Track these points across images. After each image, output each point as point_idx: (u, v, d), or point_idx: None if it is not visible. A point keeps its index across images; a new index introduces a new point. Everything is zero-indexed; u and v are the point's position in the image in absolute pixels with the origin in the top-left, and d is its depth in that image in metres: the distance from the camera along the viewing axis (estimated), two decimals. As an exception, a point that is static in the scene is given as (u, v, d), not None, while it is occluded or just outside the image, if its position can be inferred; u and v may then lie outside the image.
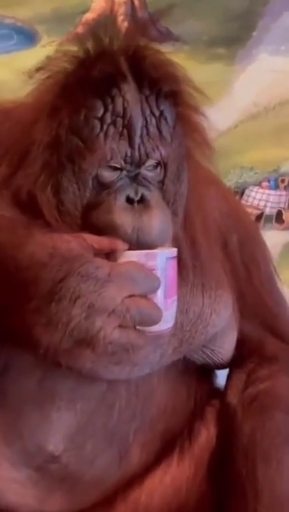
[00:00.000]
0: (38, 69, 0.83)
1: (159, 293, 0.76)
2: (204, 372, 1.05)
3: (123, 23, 0.89)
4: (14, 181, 0.84)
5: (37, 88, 0.83)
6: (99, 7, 1.49)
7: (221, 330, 0.97)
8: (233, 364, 1.04)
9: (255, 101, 1.59)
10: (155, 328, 0.75)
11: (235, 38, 1.54)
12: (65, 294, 0.66)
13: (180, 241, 0.87)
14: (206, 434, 1.00)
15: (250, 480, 0.88)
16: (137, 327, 0.71)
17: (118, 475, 0.94)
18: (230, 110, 1.55)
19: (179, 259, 0.83)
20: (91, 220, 0.80)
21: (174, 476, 0.96)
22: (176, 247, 0.84)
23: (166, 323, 0.78)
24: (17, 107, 0.89)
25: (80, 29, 1.46)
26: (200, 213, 0.92)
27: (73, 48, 0.83)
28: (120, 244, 0.76)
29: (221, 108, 1.49)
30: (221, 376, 1.09)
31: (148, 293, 0.72)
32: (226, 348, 1.01)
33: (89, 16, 1.48)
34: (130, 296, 0.69)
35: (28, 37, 1.49)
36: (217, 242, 0.99)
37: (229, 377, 1.05)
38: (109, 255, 0.76)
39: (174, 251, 0.80)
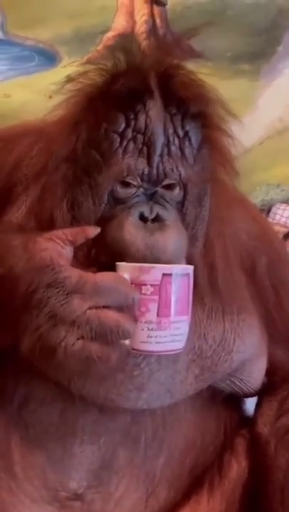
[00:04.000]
0: (68, 81, 0.81)
1: (152, 310, 0.72)
2: (232, 399, 1.01)
3: (144, 42, 0.87)
4: (41, 202, 0.83)
5: (65, 101, 0.82)
6: (120, 26, 1.50)
7: (249, 357, 0.93)
8: (264, 391, 1.00)
9: (280, 116, 1.57)
10: (144, 347, 0.73)
11: (259, 53, 1.52)
12: (36, 304, 0.66)
13: (197, 266, 0.84)
14: (237, 468, 0.95)
15: None
16: (121, 341, 0.68)
17: (145, 514, 0.90)
18: (256, 126, 1.53)
19: (195, 284, 0.80)
20: (102, 236, 0.78)
21: (204, 514, 0.91)
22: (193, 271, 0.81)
23: (159, 344, 0.73)
24: (48, 124, 0.87)
25: (101, 49, 1.46)
26: (221, 239, 0.88)
27: (104, 62, 0.81)
28: (90, 230, 0.74)
29: (246, 124, 1.46)
30: (249, 401, 1.04)
31: (118, 305, 0.68)
32: (255, 376, 0.97)
33: (110, 35, 1.48)
34: (96, 307, 0.66)
35: (49, 58, 1.50)
36: (241, 266, 0.95)
37: (259, 405, 1.00)
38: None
39: (177, 267, 0.76)
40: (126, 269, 0.74)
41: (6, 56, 1.50)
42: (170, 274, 0.74)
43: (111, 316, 0.66)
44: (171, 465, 0.91)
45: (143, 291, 0.73)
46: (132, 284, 0.72)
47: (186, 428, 0.93)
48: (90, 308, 0.66)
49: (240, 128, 0.85)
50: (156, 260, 0.76)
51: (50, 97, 0.81)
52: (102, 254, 0.78)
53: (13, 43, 1.49)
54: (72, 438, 0.85)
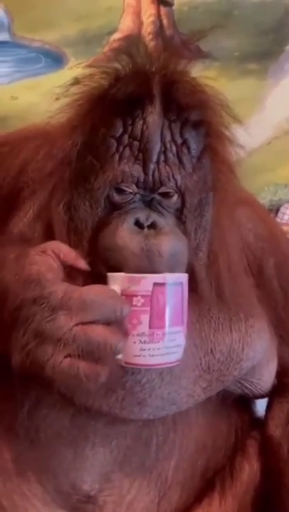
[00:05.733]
0: (73, 83, 0.81)
1: (144, 321, 0.70)
2: (243, 401, 1.00)
3: (151, 43, 0.87)
4: (47, 206, 0.83)
5: (70, 104, 0.81)
6: (126, 27, 1.49)
7: (259, 362, 0.92)
8: (274, 393, 0.99)
9: (288, 117, 1.56)
10: (138, 360, 0.70)
11: (267, 52, 1.51)
12: (22, 322, 0.65)
13: (202, 278, 0.83)
14: (249, 470, 0.94)
15: None
16: (116, 357, 0.67)
17: (157, 517, 0.90)
18: (263, 126, 1.52)
19: (200, 298, 0.80)
20: (99, 240, 0.78)
21: (216, 516, 0.91)
22: (198, 283, 0.80)
23: (153, 357, 0.71)
24: (54, 128, 0.87)
25: (107, 50, 1.46)
26: (224, 249, 0.86)
27: (109, 65, 0.81)
28: (81, 264, 0.72)
29: (254, 124, 1.46)
30: (259, 403, 1.04)
31: (106, 319, 0.66)
32: (265, 379, 0.96)
33: (116, 36, 1.48)
34: (83, 323, 0.64)
35: (55, 59, 1.50)
36: (248, 269, 0.94)
37: (270, 407, 1.00)
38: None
39: (169, 276, 0.72)
40: (116, 280, 0.71)
41: (13, 58, 1.50)
42: (162, 284, 0.71)
43: (98, 332, 0.64)
44: (183, 468, 0.91)
45: (134, 303, 0.70)
46: (122, 295, 0.70)
47: (197, 431, 0.92)
48: (76, 324, 0.64)
49: (248, 128, 0.84)
50: (152, 265, 0.74)
51: (57, 98, 0.81)
52: (97, 262, 0.77)
53: (20, 45, 1.49)
54: (84, 441, 0.85)
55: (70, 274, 0.73)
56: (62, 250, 0.72)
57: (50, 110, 0.81)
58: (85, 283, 0.73)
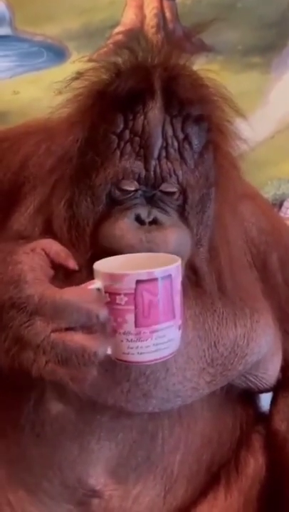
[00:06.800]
0: (73, 79, 0.80)
1: (129, 320, 0.66)
2: (247, 395, 1.00)
3: (155, 36, 0.86)
4: (48, 201, 0.83)
5: (71, 99, 0.81)
6: (129, 21, 1.48)
7: (264, 356, 0.92)
8: (279, 387, 0.99)
9: (291, 111, 1.55)
10: (127, 358, 0.69)
11: (270, 46, 1.50)
12: (3, 326, 0.66)
13: (204, 273, 0.82)
14: (254, 464, 0.94)
15: None
16: (106, 353, 0.66)
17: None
18: (267, 120, 1.51)
19: (203, 292, 0.79)
20: (99, 235, 0.78)
21: (222, 510, 0.91)
22: (200, 278, 0.80)
23: (142, 354, 0.68)
24: (56, 123, 0.86)
25: (110, 43, 1.45)
26: (226, 246, 0.85)
27: (110, 59, 0.80)
28: (71, 264, 0.72)
29: (257, 118, 1.45)
30: (263, 398, 1.04)
31: (82, 325, 0.64)
32: (270, 373, 0.96)
33: (119, 30, 1.47)
34: (60, 329, 0.64)
35: (58, 53, 1.49)
36: (252, 263, 0.93)
37: (275, 401, 1.00)
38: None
39: (155, 271, 0.67)
40: (98, 276, 0.68)
41: (15, 52, 1.49)
42: (146, 281, 0.66)
43: (76, 340, 0.63)
44: (189, 462, 0.91)
45: (117, 301, 0.67)
46: (106, 292, 0.67)
47: (202, 425, 0.92)
48: (53, 330, 0.63)
49: (253, 121, 0.83)
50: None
51: (60, 93, 0.80)
52: (99, 255, 0.76)
53: (22, 39, 1.47)
54: (89, 435, 0.85)
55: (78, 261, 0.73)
56: (53, 248, 0.71)
57: (51, 105, 0.80)
58: (87, 277, 0.73)
